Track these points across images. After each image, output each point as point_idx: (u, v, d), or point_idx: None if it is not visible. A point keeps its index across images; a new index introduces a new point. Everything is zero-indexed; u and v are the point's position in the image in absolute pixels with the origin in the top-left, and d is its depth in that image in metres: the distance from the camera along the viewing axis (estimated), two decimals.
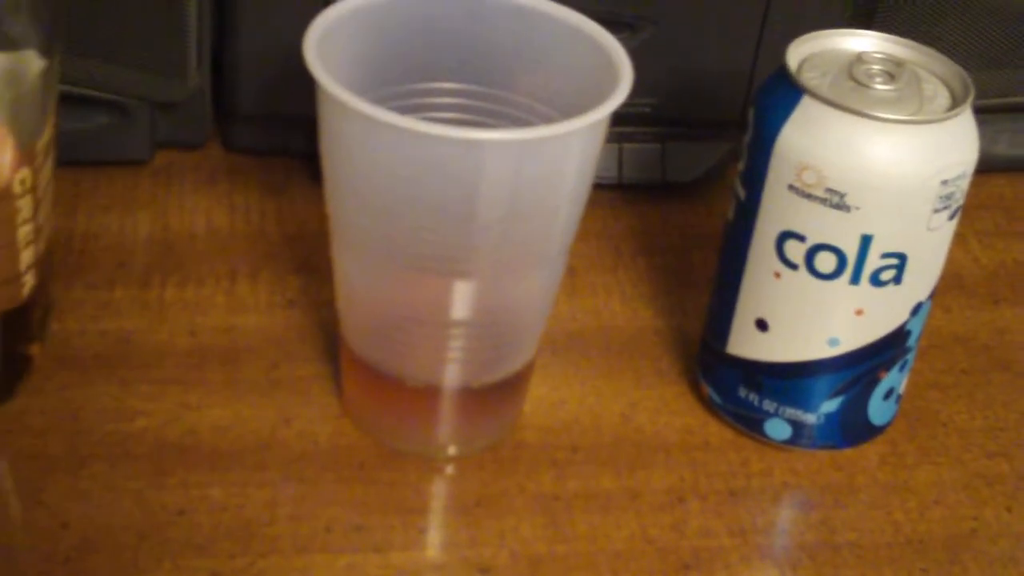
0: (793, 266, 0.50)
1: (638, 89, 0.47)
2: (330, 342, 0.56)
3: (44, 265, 0.51)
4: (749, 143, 0.50)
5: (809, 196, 0.48)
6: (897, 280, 0.50)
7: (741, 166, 0.51)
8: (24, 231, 0.48)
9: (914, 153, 0.48)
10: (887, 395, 0.53)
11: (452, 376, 0.51)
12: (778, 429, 0.53)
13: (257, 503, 0.50)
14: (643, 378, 0.57)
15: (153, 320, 0.56)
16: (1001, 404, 0.58)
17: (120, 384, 0.53)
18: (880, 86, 0.49)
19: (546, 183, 0.47)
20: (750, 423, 0.54)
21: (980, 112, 0.50)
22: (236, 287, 0.59)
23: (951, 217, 0.50)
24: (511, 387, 0.52)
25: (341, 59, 0.47)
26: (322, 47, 0.46)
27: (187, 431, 0.52)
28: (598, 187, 0.50)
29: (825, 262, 0.49)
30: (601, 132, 0.47)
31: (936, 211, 0.49)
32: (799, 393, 0.52)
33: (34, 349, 0.53)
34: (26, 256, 0.49)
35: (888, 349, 0.52)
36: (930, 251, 0.50)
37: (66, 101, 0.58)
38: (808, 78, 0.49)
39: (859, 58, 0.50)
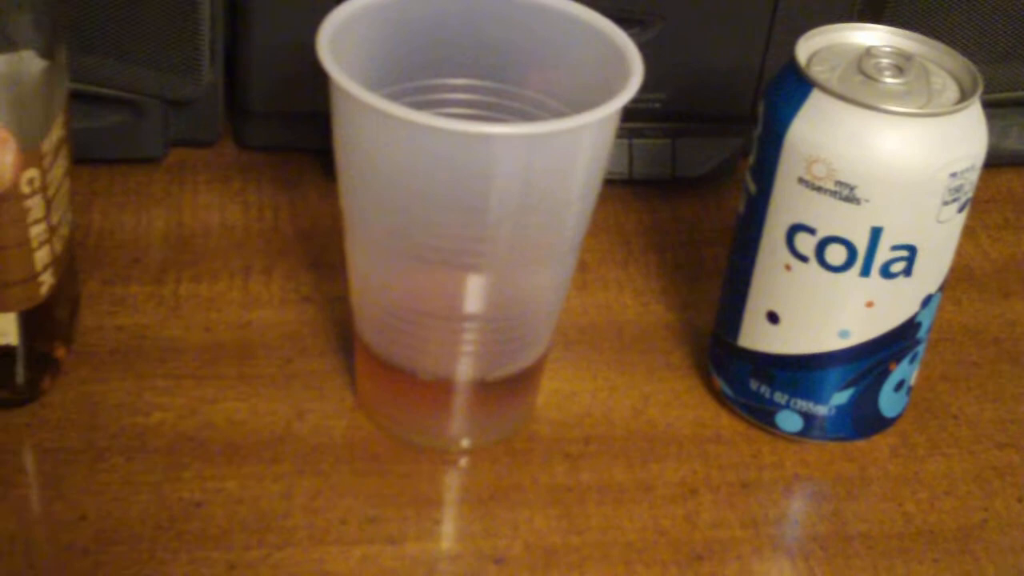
0: (804, 259, 0.50)
1: (648, 84, 0.47)
2: (344, 336, 0.56)
3: (63, 264, 0.51)
4: (759, 137, 0.50)
5: (819, 189, 0.49)
6: (907, 272, 0.50)
7: (751, 160, 0.51)
8: (36, 231, 0.48)
9: (923, 146, 0.48)
10: (898, 387, 0.53)
11: (465, 370, 0.51)
12: (789, 421, 0.54)
13: (273, 495, 0.50)
14: (655, 371, 0.57)
15: (168, 315, 0.57)
16: (1011, 396, 0.58)
17: (136, 379, 0.54)
18: (889, 80, 0.49)
19: (557, 177, 0.47)
20: (762, 415, 0.54)
21: (990, 106, 0.50)
22: (250, 283, 0.59)
23: (960, 210, 0.50)
24: (524, 380, 0.53)
25: (353, 55, 0.47)
26: (335, 44, 0.46)
27: (203, 425, 0.52)
28: (609, 183, 0.50)
29: (835, 254, 0.50)
30: (612, 127, 0.47)
31: (945, 203, 0.49)
32: (810, 385, 0.53)
33: (60, 351, 0.53)
34: (41, 256, 0.49)
35: (899, 341, 0.52)
36: (940, 243, 0.50)
37: (79, 100, 0.58)
38: (817, 72, 0.49)
39: (868, 52, 0.50)
